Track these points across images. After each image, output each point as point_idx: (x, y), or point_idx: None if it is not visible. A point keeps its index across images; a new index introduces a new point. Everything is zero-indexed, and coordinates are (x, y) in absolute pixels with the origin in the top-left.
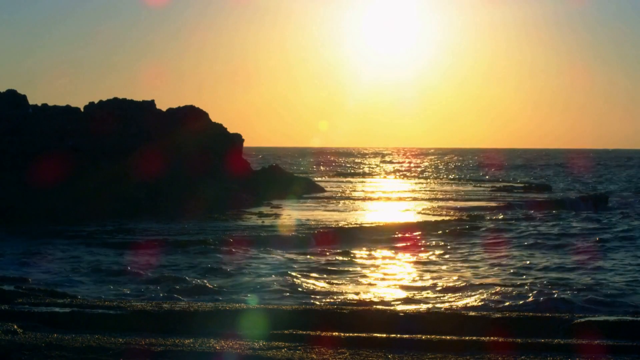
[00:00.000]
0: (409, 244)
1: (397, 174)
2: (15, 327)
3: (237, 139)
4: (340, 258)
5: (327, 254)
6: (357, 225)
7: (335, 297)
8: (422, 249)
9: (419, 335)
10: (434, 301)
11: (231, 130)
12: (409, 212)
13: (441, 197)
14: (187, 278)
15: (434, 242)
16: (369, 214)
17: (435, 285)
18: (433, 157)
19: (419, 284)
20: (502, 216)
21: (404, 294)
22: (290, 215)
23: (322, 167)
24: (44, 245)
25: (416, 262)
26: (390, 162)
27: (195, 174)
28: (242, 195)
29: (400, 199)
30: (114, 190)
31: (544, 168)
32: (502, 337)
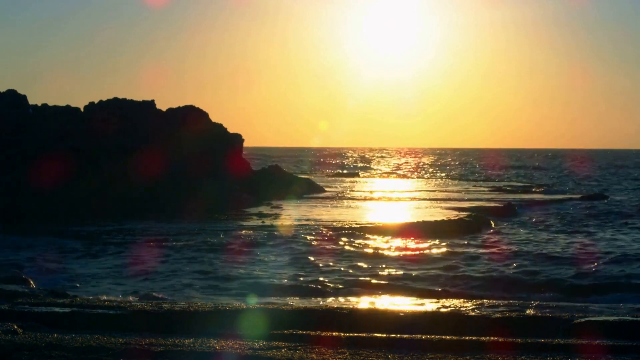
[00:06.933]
0: (408, 245)
1: (397, 173)
2: (15, 327)
3: (237, 139)
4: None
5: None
6: (358, 226)
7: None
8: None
9: (419, 335)
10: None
11: (231, 130)
12: (408, 213)
13: (441, 197)
14: (185, 279)
15: (430, 243)
16: (369, 214)
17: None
18: (433, 157)
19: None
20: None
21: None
22: (290, 215)
23: (322, 167)
24: (44, 245)
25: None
26: (390, 162)
27: (195, 174)
28: (242, 195)
29: (400, 199)
30: (114, 190)
31: (543, 168)
32: (502, 337)
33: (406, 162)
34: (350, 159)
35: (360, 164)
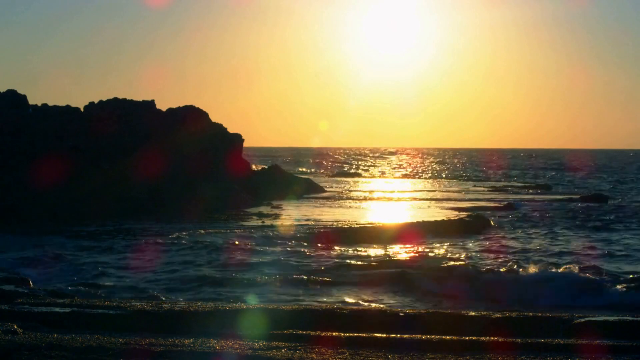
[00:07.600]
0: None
1: (397, 174)
2: (15, 327)
3: (237, 139)
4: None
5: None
6: (358, 226)
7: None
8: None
9: (419, 335)
10: None
11: (231, 130)
12: (409, 213)
13: (441, 197)
14: (185, 278)
15: (431, 243)
16: (369, 214)
17: None
18: (433, 157)
19: None
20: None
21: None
22: (290, 215)
23: (322, 167)
24: (44, 245)
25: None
26: (390, 162)
27: (195, 174)
28: (242, 195)
29: (400, 199)
30: (114, 190)
31: (544, 168)
32: (502, 337)
33: (406, 162)
34: (351, 158)
35: (360, 164)
